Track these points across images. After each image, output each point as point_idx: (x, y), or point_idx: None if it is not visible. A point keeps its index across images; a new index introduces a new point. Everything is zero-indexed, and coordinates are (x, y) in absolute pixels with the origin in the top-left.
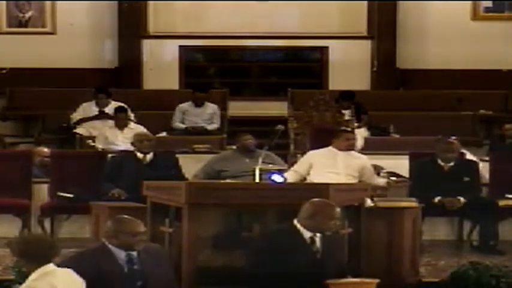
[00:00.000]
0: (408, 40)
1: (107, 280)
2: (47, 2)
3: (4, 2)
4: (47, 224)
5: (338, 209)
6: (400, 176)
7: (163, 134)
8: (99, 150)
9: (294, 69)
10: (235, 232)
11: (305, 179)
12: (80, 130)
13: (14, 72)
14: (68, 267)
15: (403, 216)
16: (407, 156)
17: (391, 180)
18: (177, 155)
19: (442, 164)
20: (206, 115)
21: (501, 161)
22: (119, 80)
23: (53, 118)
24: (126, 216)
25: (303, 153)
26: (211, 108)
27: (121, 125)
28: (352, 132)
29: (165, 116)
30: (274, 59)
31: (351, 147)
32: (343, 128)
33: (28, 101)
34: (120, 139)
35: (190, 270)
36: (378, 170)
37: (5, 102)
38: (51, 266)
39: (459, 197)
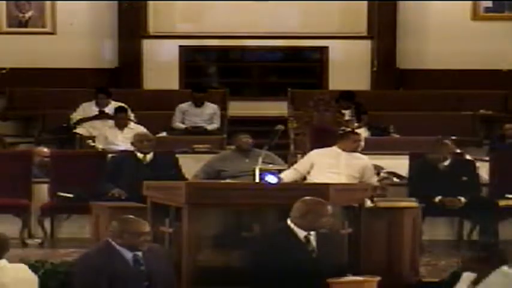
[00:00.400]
0: (408, 40)
1: (118, 279)
2: (47, 2)
3: (4, 2)
4: (47, 224)
5: (330, 207)
6: (400, 176)
7: (163, 134)
8: (99, 150)
9: (294, 69)
10: (235, 232)
11: (305, 178)
12: (80, 130)
13: (14, 72)
14: (81, 267)
15: (403, 216)
16: (407, 156)
17: (383, 182)
18: (177, 155)
19: (436, 164)
20: (206, 115)
21: (501, 161)
22: (119, 80)
23: (53, 118)
24: (131, 216)
25: (303, 153)
26: (211, 108)
27: (121, 125)
28: (359, 134)
29: (165, 116)
30: (274, 59)
31: (357, 149)
32: (348, 129)
33: (28, 101)
34: (120, 139)
35: (190, 270)
36: (377, 170)
37: (5, 102)
38: (2, 262)
39: (459, 197)
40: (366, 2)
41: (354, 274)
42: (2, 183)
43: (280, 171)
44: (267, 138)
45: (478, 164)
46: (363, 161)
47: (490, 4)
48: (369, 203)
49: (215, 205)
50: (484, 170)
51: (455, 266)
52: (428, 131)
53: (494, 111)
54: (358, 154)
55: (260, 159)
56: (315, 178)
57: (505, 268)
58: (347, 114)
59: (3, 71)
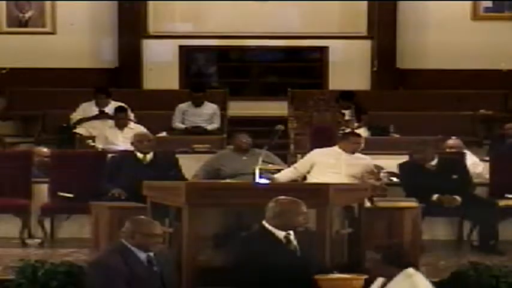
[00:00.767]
0: (408, 40)
1: (135, 278)
2: (47, 2)
3: (4, 2)
4: (47, 224)
5: (304, 206)
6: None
7: (163, 134)
8: (99, 150)
9: (294, 69)
10: (235, 232)
11: (305, 177)
12: (80, 130)
13: (14, 72)
14: (97, 267)
15: (403, 216)
16: (407, 156)
17: (380, 182)
18: (177, 155)
19: (423, 164)
20: (206, 115)
21: (501, 161)
22: (119, 80)
23: (53, 118)
24: (144, 217)
25: (303, 153)
26: (211, 108)
27: (121, 125)
28: (359, 135)
29: (165, 116)
30: (274, 59)
31: (357, 150)
32: (348, 129)
33: (28, 101)
34: (120, 139)
35: (190, 270)
36: (378, 170)
37: (5, 102)
38: None
39: (455, 196)
40: (366, 2)
41: (341, 270)
42: (2, 183)
43: (279, 171)
44: (267, 138)
45: (472, 162)
46: (364, 161)
47: (490, 4)
48: (368, 204)
49: (215, 205)
50: (484, 170)
51: (455, 266)
52: (428, 131)
53: (494, 111)
54: (359, 154)
55: (260, 159)
56: (315, 178)
57: (409, 270)
58: (347, 114)
59: (3, 71)
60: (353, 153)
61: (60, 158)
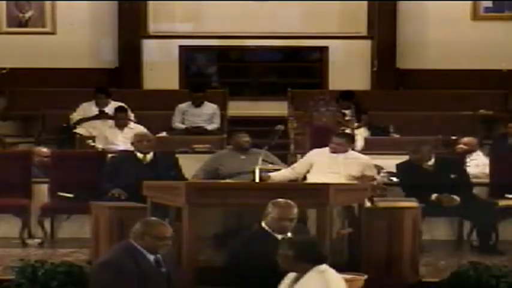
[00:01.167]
0: (408, 40)
1: (144, 279)
2: (47, 2)
3: (4, 2)
4: (47, 224)
5: (294, 210)
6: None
7: (163, 134)
8: (99, 150)
9: (294, 69)
10: (235, 232)
11: (305, 177)
12: (80, 130)
13: (14, 72)
14: (108, 268)
15: (403, 216)
16: (407, 156)
17: (378, 182)
18: (177, 155)
19: (420, 164)
20: (206, 115)
21: (501, 160)
22: (119, 80)
23: (53, 118)
24: (155, 219)
25: (303, 153)
26: (211, 108)
27: (121, 125)
28: (346, 136)
29: (165, 116)
30: (274, 59)
31: (335, 151)
32: (346, 131)
33: (28, 101)
34: (120, 139)
35: (190, 270)
36: (377, 170)
37: (5, 102)
38: None
39: (453, 196)
40: (366, 2)
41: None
42: (2, 183)
43: (279, 171)
44: (267, 138)
45: (481, 162)
46: (362, 160)
47: (490, 4)
48: (368, 204)
49: (215, 205)
50: (485, 170)
51: (455, 266)
52: (428, 131)
53: (494, 111)
54: (356, 153)
55: (260, 159)
56: (314, 178)
57: (322, 266)
58: (347, 114)
59: (3, 71)
60: (336, 153)
61: (60, 158)
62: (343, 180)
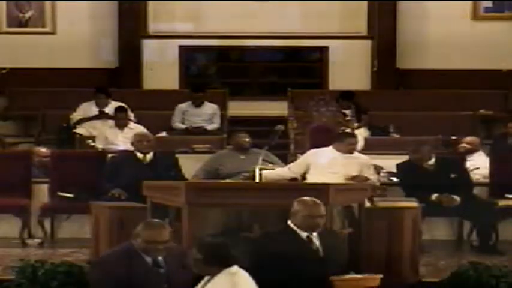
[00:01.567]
0: (408, 40)
1: (136, 281)
2: (47, 2)
3: (4, 2)
4: (47, 224)
5: (322, 207)
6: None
7: (163, 134)
8: (99, 150)
9: (294, 69)
10: (235, 232)
11: (304, 178)
12: (80, 130)
13: (14, 72)
14: (99, 269)
15: (403, 216)
16: (407, 156)
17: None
18: (177, 155)
19: (420, 164)
20: (206, 115)
21: (501, 160)
22: (119, 80)
23: (53, 118)
24: (155, 220)
25: (303, 153)
26: (211, 108)
27: (121, 125)
28: (355, 136)
29: (165, 116)
30: (274, 59)
31: (351, 152)
32: (346, 130)
33: (28, 101)
34: (120, 139)
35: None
36: (377, 170)
37: (5, 102)
38: None
39: (453, 196)
40: (366, 2)
41: (356, 272)
42: (2, 183)
43: None
44: (267, 138)
45: (483, 162)
46: (360, 160)
47: (490, 4)
48: (368, 204)
49: (215, 205)
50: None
51: (455, 266)
52: (428, 131)
53: (494, 111)
54: (356, 154)
55: (260, 159)
56: (313, 178)
57: (232, 268)
58: (347, 114)
59: (3, 71)
60: (347, 154)
61: (60, 158)
62: (342, 180)
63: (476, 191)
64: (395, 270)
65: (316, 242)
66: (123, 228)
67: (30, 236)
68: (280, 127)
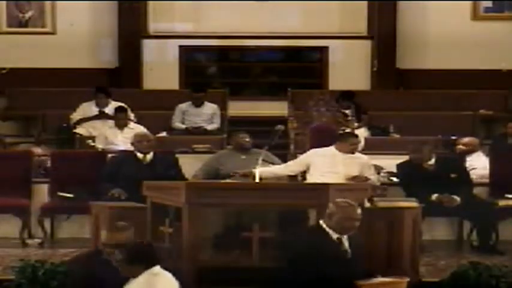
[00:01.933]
0: (408, 40)
1: (99, 284)
2: (47, 2)
3: (4, 2)
4: (47, 224)
5: (359, 210)
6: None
7: (163, 134)
8: (99, 150)
9: (294, 69)
10: (235, 232)
11: (305, 178)
12: (80, 130)
13: (14, 72)
14: (70, 270)
15: (403, 216)
16: (407, 156)
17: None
18: (177, 155)
19: (420, 163)
20: (206, 115)
21: (501, 160)
22: (119, 80)
23: (53, 118)
24: (119, 224)
25: (303, 153)
26: (211, 108)
27: (121, 125)
28: (357, 136)
29: (165, 116)
30: (274, 59)
31: (353, 152)
32: (347, 131)
33: (28, 101)
34: (120, 139)
35: (190, 270)
36: (377, 170)
37: (5, 102)
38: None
39: (453, 196)
40: (366, 2)
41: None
42: (2, 183)
43: None
44: (267, 138)
45: (482, 163)
46: (361, 160)
47: (490, 4)
48: (368, 204)
49: (215, 205)
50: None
51: (455, 266)
52: (428, 131)
53: (494, 111)
54: (356, 154)
55: (260, 159)
56: (313, 178)
57: (154, 269)
58: (347, 114)
59: (3, 71)
60: (349, 154)
61: (60, 158)
62: (343, 180)
63: (476, 191)
64: (395, 270)
65: (346, 243)
66: None
67: (30, 236)
68: (280, 127)
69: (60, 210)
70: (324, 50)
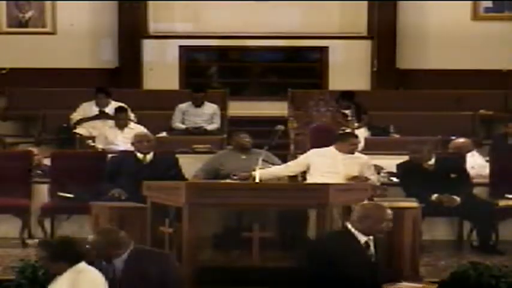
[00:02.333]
0: (408, 40)
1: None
2: (47, 2)
3: (4, 2)
4: (47, 224)
5: (389, 211)
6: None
7: (163, 134)
8: (99, 150)
9: (294, 69)
10: (235, 232)
11: (305, 178)
12: (80, 130)
13: (14, 72)
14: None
15: (403, 216)
16: (407, 157)
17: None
18: (177, 155)
19: (420, 163)
20: (206, 115)
21: (501, 161)
22: (119, 80)
23: (53, 118)
24: (103, 229)
25: (303, 153)
26: (211, 108)
27: (121, 125)
28: (357, 136)
29: (165, 116)
30: (274, 59)
31: (353, 152)
32: (347, 131)
33: (28, 101)
34: (120, 139)
35: (190, 270)
36: (377, 170)
37: (5, 102)
38: None
39: (453, 196)
40: (366, 2)
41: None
42: (2, 183)
43: None
44: (267, 138)
45: (478, 163)
46: (361, 160)
47: (490, 4)
48: None
49: (215, 205)
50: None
51: (455, 266)
52: (428, 131)
53: (494, 111)
54: (356, 153)
55: (260, 159)
56: (313, 178)
57: (79, 265)
58: (347, 114)
59: (3, 71)
60: (349, 154)
61: (60, 158)
62: (343, 181)
63: (476, 191)
64: (395, 270)
65: (372, 247)
66: (123, 228)
67: (30, 236)
68: (280, 127)
69: (60, 210)
70: (324, 50)
